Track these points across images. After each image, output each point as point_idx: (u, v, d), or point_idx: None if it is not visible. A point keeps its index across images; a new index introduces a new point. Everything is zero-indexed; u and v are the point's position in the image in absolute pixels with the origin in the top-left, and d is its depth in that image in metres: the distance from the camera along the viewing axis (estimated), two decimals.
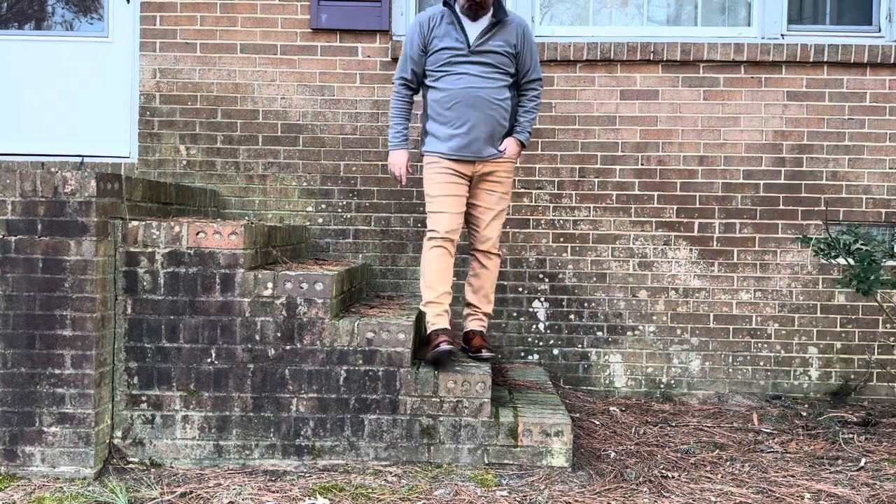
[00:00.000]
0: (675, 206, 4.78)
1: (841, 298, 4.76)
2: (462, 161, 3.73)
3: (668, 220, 4.79)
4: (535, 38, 4.14)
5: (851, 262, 4.05)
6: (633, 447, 3.74)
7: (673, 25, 4.97)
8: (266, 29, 4.81)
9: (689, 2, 4.99)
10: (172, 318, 3.40)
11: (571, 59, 4.75)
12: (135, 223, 3.39)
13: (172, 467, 3.39)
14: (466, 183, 3.79)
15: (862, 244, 3.96)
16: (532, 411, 3.59)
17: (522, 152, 4.81)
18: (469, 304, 3.97)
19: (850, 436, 3.96)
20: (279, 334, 3.42)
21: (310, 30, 4.80)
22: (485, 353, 3.76)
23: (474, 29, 3.72)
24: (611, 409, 4.44)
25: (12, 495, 3.06)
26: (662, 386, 4.79)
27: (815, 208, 4.76)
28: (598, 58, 4.75)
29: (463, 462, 3.41)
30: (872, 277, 3.91)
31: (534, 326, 4.82)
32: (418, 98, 3.95)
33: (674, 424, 4.19)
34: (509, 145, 3.79)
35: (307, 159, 4.84)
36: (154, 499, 3.04)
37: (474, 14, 3.70)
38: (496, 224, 3.86)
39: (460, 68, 3.70)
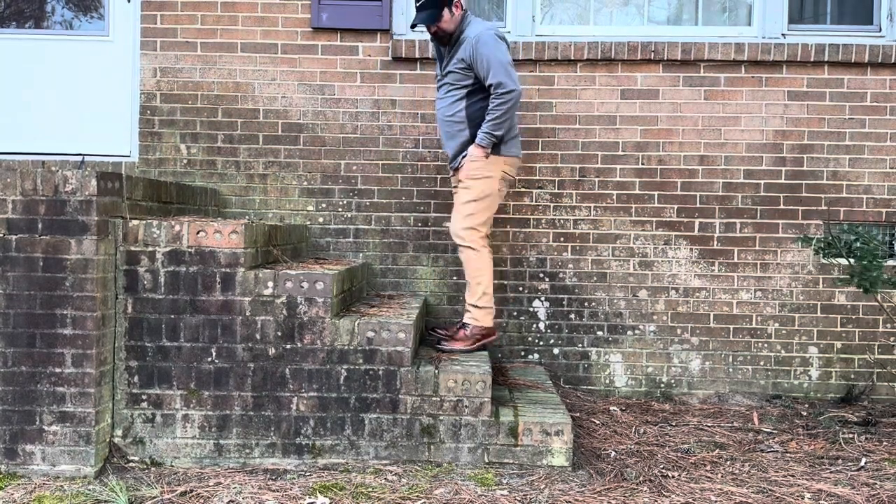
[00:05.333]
0: (676, 206, 4.78)
1: (841, 298, 4.76)
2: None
3: (668, 219, 4.79)
4: (493, 45, 3.82)
5: (852, 261, 4.05)
6: (633, 446, 3.74)
7: (673, 25, 4.97)
8: (266, 28, 4.81)
9: (690, 1, 4.99)
10: (173, 317, 3.40)
11: (572, 58, 4.75)
12: (135, 222, 3.39)
13: (173, 466, 3.39)
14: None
15: (863, 243, 3.96)
16: (532, 411, 3.60)
17: (523, 156, 4.81)
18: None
19: (851, 435, 3.96)
20: (279, 333, 3.42)
21: (310, 29, 4.80)
22: (443, 345, 4.05)
23: (446, 52, 4.09)
24: (611, 408, 4.44)
25: (13, 494, 3.06)
26: (663, 385, 4.79)
27: (816, 208, 4.76)
28: (599, 57, 4.74)
29: (463, 461, 3.41)
30: (874, 275, 3.91)
31: (534, 326, 4.82)
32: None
33: (674, 424, 4.19)
34: (468, 153, 4.02)
35: (308, 158, 4.84)
36: (154, 497, 3.04)
37: (442, 43, 4.07)
38: (456, 217, 4.06)
39: (438, 94, 4.18)
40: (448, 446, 3.42)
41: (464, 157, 4.03)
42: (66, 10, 5.02)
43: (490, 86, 3.91)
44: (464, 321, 4.10)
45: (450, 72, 4.03)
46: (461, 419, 3.42)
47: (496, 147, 3.99)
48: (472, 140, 4.01)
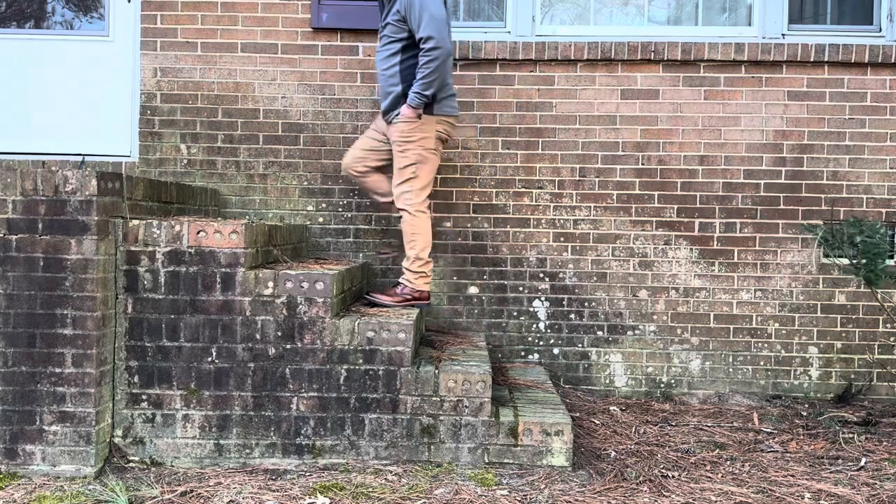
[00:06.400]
0: (676, 206, 4.78)
1: (841, 298, 4.76)
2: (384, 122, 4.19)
3: (668, 219, 4.79)
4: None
5: (854, 260, 4.05)
6: (633, 446, 3.74)
7: (674, 25, 4.97)
8: (267, 28, 4.81)
9: (690, 1, 4.99)
10: (173, 317, 3.40)
11: (572, 58, 4.75)
12: (135, 222, 3.39)
13: (173, 466, 3.39)
14: (382, 138, 4.21)
15: (867, 236, 3.95)
16: (532, 410, 3.60)
17: (524, 155, 4.81)
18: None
19: (851, 435, 3.96)
20: (280, 333, 3.42)
21: (310, 29, 4.80)
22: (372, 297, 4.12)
23: (386, 1, 4.06)
24: (611, 408, 4.44)
25: (13, 494, 3.06)
26: (663, 385, 4.79)
27: (816, 208, 4.76)
28: (599, 57, 4.74)
29: (463, 461, 3.42)
30: (879, 267, 3.90)
31: (534, 326, 4.82)
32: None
33: (674, 424, 4.19)
34: (401, 113, 3.99)
35: (308, 158, 4.84)
36: (154, 497, 3.04)
37: None
38: (395, 181, 4.08)
39: (377, 46, 4.16)
40: (448, 446, 3.42)
41: (397, 115, 4.00)
42: (66, 10, 5.02)
43: (420, 39, 3.89)
44: (399, 280, 4.17)
45: (387, 23, 4.01)
46: (461, 419, 3.42)
47: (428, 106, 3.97)
48: (403, 96, 3.98)
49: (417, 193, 4.03)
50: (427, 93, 3.90)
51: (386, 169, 4.29)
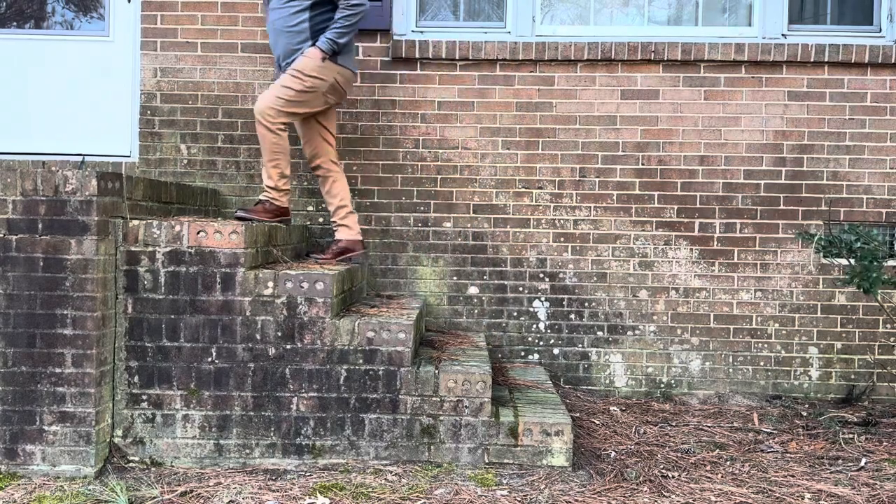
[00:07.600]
0: (676, 206, 4.79)
1: (841, 298, 4.76)
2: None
3: (668, 219, 4.79)
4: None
5: (853, 262, 4.06)
6: (633, 447, 3.74)
7: (674, 25, 4.97)
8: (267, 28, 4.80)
9: (690, 1, 4.99)
10: (173, 317, 3.40)
11: (572, 58, 4.75)
12: (136, 222, 3.39)
13: (173, 466, 3.39)
14: None
15: (863, 243, 3.97)
16: (532, 411, 3.60)
17: (523, 156, 4.81)
18: None
19: (851, 436, 3.96)
20: (280, 333, 3.42)
21: None
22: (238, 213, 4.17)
23: None
24: (611, 408, 4.44)
25: (13, 494, 3.06)
26: (663, 385, 4.79)
27: (816, 208, 4.77)
28: (599, 57, 4.75)
29: (463, 461, 3.42)
30: (874, 276, 3.92)
31: (534, 326, 4.82)
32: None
33: (674, 424, 4.19)
34: (306, 52, 4.08)
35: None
36: (154, 498, 3.04)
37: None
38: (268, 94, 4.07)
39: (272, 4, 4.20)
40: (448, 446, 3.42)
41: (300, 52, 4.09)
42: (66, 10, 5.02)
43: None
44: (260, 198, 4.22)
45: None
46: (461, 419, 3.42)
47: (333, 55, 4.10)
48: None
49: (284, 115, 4.08)
50: (340, 41, 4.07)
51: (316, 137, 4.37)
